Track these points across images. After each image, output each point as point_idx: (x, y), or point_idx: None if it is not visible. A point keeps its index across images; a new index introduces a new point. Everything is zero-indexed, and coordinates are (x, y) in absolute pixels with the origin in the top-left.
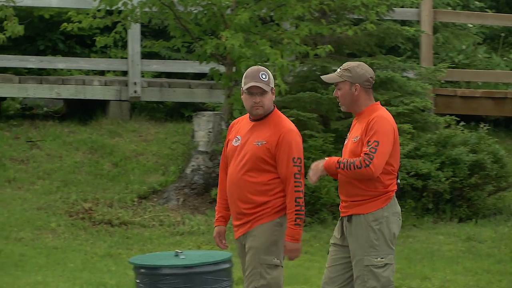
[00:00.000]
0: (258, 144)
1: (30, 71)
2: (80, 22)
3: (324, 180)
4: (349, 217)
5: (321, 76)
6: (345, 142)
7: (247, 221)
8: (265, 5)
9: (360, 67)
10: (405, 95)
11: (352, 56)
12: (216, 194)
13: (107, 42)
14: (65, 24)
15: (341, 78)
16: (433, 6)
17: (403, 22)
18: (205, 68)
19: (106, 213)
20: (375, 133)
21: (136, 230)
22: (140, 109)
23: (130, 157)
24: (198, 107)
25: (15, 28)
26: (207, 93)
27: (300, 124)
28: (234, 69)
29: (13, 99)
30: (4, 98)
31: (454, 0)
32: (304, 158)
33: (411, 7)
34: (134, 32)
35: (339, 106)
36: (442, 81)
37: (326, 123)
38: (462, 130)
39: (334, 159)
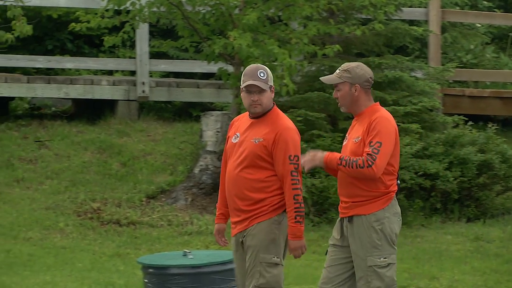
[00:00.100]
0: (255, 142)
1: (38, 71)
2: (88, 22)
3: (332, 179)
4: (350, 218)
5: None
6: (344, 142)
7: (245, 218)
8: (273, 5)
9: (359, 67)
10: (413, 94)
11: (361, 55)
12: None
13: (115, 42)
14: (73, 24)
15: (340, 79)
16: (441, 5)
17: (411, 22)
18: (213, 68)
19: (114, 213)
20: (378, 133)
21: (145, 230)
22: (148, 109)
23: (138, 157)
24: (206, 107)
25: (24, 28)
26: (215, 93)
27: (308, 124)
28: (242, 69)
29: (21, 99)
30: (12, 98)
31: (462, 0)
32: None
33: (419, 7)
34: (142, 32)
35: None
36: (450, 81)
37: (334, 123)
38: (470, 130)
39: (336, 155)
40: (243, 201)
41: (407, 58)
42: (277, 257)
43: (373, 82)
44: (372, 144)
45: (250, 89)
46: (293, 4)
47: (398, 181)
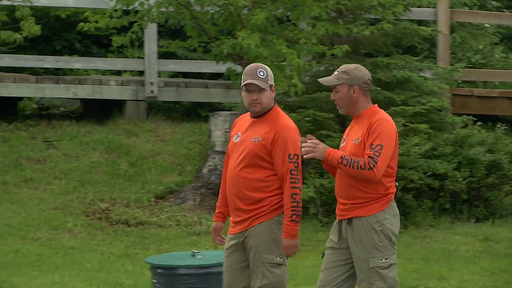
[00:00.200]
0: (254, 141)
1: (46, 71)
2: (97, 22)
3: None
4: (349, 220)
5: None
6: (342, 144)
7: (245, 219)
8: (282, 5)
9: (357, 69)
10: (422, 95)
11: (369, 56)
12: None
13: (124, 42)
14: (81, 24)
15: (338, 80)
16: (450, 6)
17: (420, 22)
18: (221, 68)
19: (123, 213)
20: (379, 135)
21: (153, 230)
22: (156, 109)
23: (147, 157)
24: (215, 107)
25: (32, 28)
26: (223, 93)
27: (317, 124)
28: None
29: (30, 99)
30: (21, 98)
31: (471, 0)
32: None
33: (428, 7)
34: (150, 32)
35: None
36: (459, 81)
37: (342, 123)
38: (479, 130)
39: (339, 153)
40: (242, 200)
41: (415, 58)
42: (280, 257)
43: (371, 84)
44: (373, 146)
45: (249, 88)
46: (302, 4)
47: (397, 183)
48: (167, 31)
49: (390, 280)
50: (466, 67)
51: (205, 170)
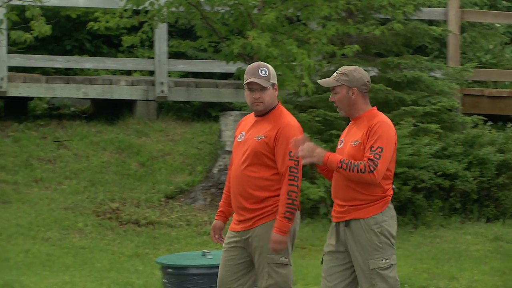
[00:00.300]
0: (257, 139)
1: (57, 71)
2: (107, 22)
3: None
4: (347, 222)
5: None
6: (340, 146)
7: (249, 218)
8: (292, 4)
9: (357, 71)
10: (432, 94)
11: (379, 55)
12: None
13: (134, 41)
14: (91, 23)
15: (338, 82)
16: (460, 5)
17: (430, 22)
18: (232, 67)
19: (133, 213)
20: (379, 138)
21: (163, 230)
22: (167, 109)
23: (157, 157)
24: (225, 107)
25: (42, 28)
26: (234, 92)
27: (327, 124)
28: None
29: (40, 99)
30: (31, 98)
31: (481, 0)
32: None
33: (438, 7)
34: (161, 32)
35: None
36: (469, 81)
37: None
38: (489, 130)
39: (337, 157)
40: (247, 199)
41: (426, 58)
42: (285, 257)
43: (370, 85)
44: (373, 149)
45: (251, 86)
46: (312, 4)
47: (394, 186)
48: (177, 31)
49: (391, 280)
50: (476, 67)
51: (215, 170)
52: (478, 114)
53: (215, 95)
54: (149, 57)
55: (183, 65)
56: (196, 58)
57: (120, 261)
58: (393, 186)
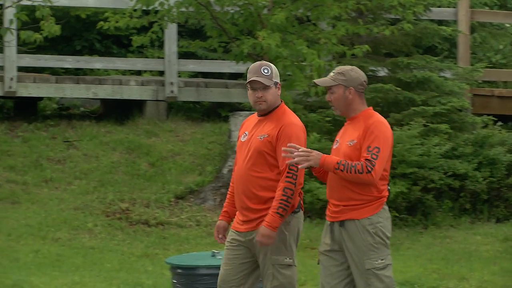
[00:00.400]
0: (260, 138)
1: (67, 71)
2: (117, 22)
3: None
4: (342, 222)
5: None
6: (335, 146)
7: (253, 219)
8: (302, 5)
9: (353, 70)
10: (442, 95)
11: (389, 56)
12: None
13: (144, 42)
14: (101, 22)
15: (334, 81)
16: (470, 5)
17: (440, 22)
18: (241, 68)
19: (143, 213)
20: (376, 138)
21: (173, 230)
22: (176, 109)
23: (166, 157)
24: (235, 107)
25: (52, 28)
26: (243, 93)
27: (337, 124)
28: None
29: (50, 99)
30: (41, 98)
31: (491, 0)
32: None
33: (448, 7)
34: (170, 32)
35: (333, 111)
36: (479, 81)
37: None
38: (499, 130)
39: (334, 158)
40: (251, 199)
41: (436, 58)
42: (289, 258)
43: (367, 85)
44: (370, 149)
45: (253, 85)
46: (322, 4)
47: (389, 187)
48: (187, 31)
49: (387, 280)
50: (486, 67)
51: (225, 170)
52: (488, 115)
53: (225, 95)
54: (159, 57)
55: (193, 65)
56: (206, 58)
57: (130, 262)
58: (388, 187)
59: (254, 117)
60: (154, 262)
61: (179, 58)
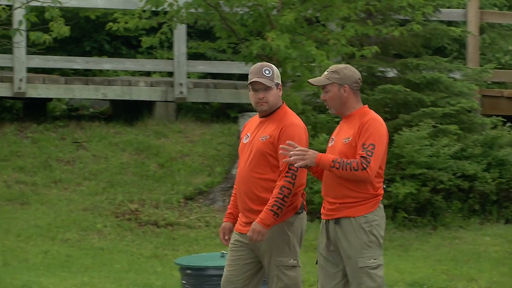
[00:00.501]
0: (262, 139)
1: (76, 72)
2: (126, 22)
3: None
4: (337, 220)
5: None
6: (331, 144)
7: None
8: (311, 5)
9: (347, 69)
10: (452, 96)
11: (398, 57)
12: None
13: (153, 42)
14: (110, 23)
15: (329, 80)
16: (480, 6)
17: (450, 23)
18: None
19: (152, 214)
20: (371, 135)
21: (182, 231)
22: (186, 110)
23: (176, 158)
24: (244, 108)
25: (61, 29)
26: None
27: None
28: (280, 70)
29: (59, 100)
30: (50, 99)
31: (501, 1)
32: None
33: (457, 8)
34: (180, 33)
35: (328, 109)
36: (489, 82)
37: None
38: (508, 131)
39: (329, 157)
40: (253, 201)
41: (445, 59)
42: (293, 259)
43: (361, 83)
44: (365, 146)
45: (255, 86)
46: (331, 5)
47: (384, 186)
48: (196, 32)
49: (379, 279)
50: (495, 68)
51: (234, 171)
52: (497, 115)
53: (234, 96)
54: (168, 58)
55: (202, 66)
56: (215, 59)
57: (139, 262)
58: (384, 186)
59: (255, 119)
60: (163, 263)
61: (188, 59)
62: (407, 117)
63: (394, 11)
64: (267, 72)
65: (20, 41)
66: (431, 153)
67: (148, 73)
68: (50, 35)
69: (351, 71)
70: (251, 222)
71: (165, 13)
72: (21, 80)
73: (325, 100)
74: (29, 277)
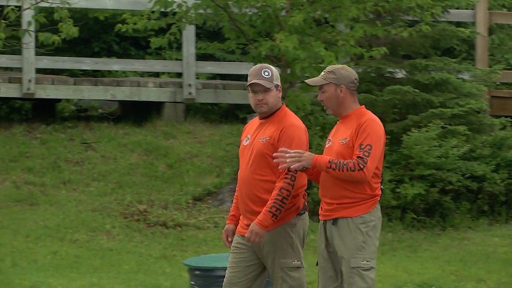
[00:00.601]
0: (262, 141)
1: (85, 73)
2: (135, 23)
3: None
4: (334, 221)
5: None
6: (328, 144)
7: None
8: (320, 6)
9: (344, 69)
10: (460, 96)
11: (407, 57)
12: None
13: (162, 43)
14: (119, 25)
15: (325, 80)
16: (489, 7)
17: (458, 24)
18: None
19: (161, 215)
20: (368, 136)
21: (191, 232)
22: (194, 110)
23: (184, 158)
24: (253, 109)
25: (70, 30)
26: None
27: None
28: (288, 71)
29: (68, 100)
30: (59, 100)
31: (509, 2)
32: None
33: (466, 9)
34: (188, 34)
35: (325, 109)
36: (498, 83)
37: None
38: None
39: (326, 158)
40: (255, 203)
41: (454, 60)
42: (297, 260)
43: (358, 83)
44: (362, 146)
45: (254, 88)
46: (340, 6)
47: (382, 186)
48: (205, 33)
49: (370, 281)
50: (504, 69)
51: None
52: (506, 116)
53: (243, 97)
54: (177, 59)
55: (211, 67)
56: (224, 60)
57: (148, 263)
58: (381, 187)
59: (255, 121)
60: (172, 263)
61: (197, 60)
62: (415, 118)
63: (403, 12)
64: (266, 73)
65: (29, 42)
66: (440, 154)
67: (157, 74)
68: (59, 36)
69: (348, 71)
70: None
71: (174, 14)
72: (30, 81)
73: (322, 100)
74: (38, 278)
